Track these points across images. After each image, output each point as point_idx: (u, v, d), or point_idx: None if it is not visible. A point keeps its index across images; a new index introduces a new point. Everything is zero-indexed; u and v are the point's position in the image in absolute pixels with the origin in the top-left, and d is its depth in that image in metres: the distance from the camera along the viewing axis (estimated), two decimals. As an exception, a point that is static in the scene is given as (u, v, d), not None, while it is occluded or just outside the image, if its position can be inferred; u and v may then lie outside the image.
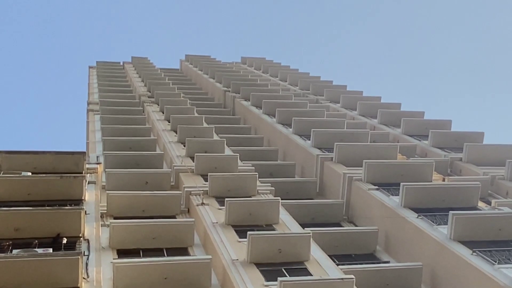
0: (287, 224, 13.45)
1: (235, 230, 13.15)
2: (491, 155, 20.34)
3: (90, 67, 40.17)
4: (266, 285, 9.43)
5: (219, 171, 17.52)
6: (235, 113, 31.76)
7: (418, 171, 18.05)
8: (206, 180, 16.99)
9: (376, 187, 17.55)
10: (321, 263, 10.90)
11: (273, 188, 17.91)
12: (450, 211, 12.66)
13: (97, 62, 40.78)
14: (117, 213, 14.57)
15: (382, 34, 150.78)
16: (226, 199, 13.71)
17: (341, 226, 18.29)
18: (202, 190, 16.44)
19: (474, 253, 11.10)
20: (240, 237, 12.62)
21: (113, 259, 11.52)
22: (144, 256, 12.24)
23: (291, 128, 24.05)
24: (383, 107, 28.72)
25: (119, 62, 43.95)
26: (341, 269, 11.13)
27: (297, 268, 10.66)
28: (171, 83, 33.98)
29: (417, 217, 14.43)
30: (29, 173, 14.60)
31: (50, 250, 10.51)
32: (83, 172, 15.36)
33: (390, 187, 17.24)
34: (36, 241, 10.80)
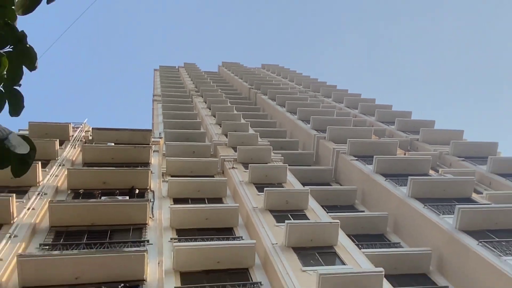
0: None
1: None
2: (439, 137, 19.97)
3: (154, 70, 40.03)
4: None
5: (245, 145, 17.00)
6: (257, 104, 29.82)
7: (386, 147, 17.30)
8: (235, 151, 16.08)
9: (356, 158, 16.66)
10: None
11: (283, 157, 16.79)
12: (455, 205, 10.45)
13: (160, 66, 39.99)
14: (173, 173, 13.91)
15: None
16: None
17: (330, 185, 17.84)
18: (233, 158, 15.69)
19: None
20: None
21: (170, 204, 11.23)
22: (191, 203, 11.86)
23: (296, 115, 22.92)
24: (374, 105, 26.52)
25: (175, 66, 43.44)
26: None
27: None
28: (211, 82, 32.72)
29: (385, 180, 13.94)
30: (112, 144, 14.44)
31: (127, 197, 10.51)
32: (150, 143, 15.15)
33: (366, 158, 16.61)
34: (117, 191, 10.86)
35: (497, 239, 9.16)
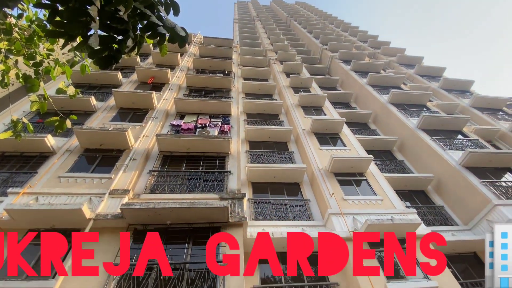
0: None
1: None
2: (428, 71, 22.41)
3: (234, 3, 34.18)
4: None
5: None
6: (323, 64, 26.16)
7: (394, 81, 18.57)
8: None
9: (373, 87, 18.23)
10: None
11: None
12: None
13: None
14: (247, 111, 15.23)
15: None
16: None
17: (351, 107, 19.62)
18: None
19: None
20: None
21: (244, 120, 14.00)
22: (258, 119, 14.57)
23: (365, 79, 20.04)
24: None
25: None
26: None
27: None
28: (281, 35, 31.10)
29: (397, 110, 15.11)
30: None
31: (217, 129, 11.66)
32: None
33: (381, 88, 17.85)
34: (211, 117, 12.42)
35: (443, 137, 13.08)
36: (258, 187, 10.51)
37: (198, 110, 12.46)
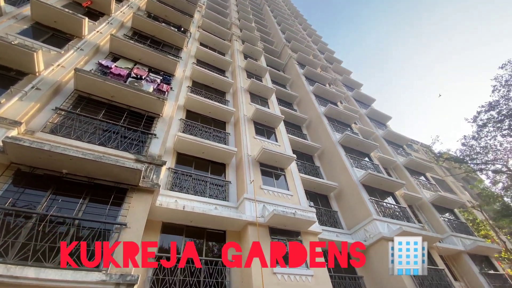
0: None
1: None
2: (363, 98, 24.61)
3: None
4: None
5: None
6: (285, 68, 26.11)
7: (333, 97, 20.78)
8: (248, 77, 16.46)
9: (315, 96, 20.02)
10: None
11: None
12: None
13: None
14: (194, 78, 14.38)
15: None
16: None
17: (293, 109, 20.85)
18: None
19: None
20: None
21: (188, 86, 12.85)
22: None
23: (312, 87, 21.32)
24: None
25: None
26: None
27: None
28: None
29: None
30: None
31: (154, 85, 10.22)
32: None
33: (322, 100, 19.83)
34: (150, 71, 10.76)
35: (355, 156, 15.23)
36: (183, 159, 10.10)
37: (137, 58, 10.96)
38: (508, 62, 17.19)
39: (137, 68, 10.45)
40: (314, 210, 10.19)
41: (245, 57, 20.22)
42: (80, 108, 8.03)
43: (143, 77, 9.99)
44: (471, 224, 18.37)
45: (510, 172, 20.01)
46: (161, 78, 10.52)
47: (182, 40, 13.96)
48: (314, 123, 18.21)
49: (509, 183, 22.74)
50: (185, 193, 8.80)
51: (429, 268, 10.38)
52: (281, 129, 14.09)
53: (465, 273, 12.72)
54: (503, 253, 16.30)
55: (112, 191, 6.34)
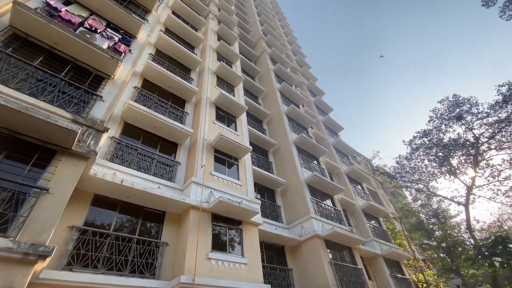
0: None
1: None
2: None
3: None
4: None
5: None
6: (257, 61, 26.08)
7: (297, 99, 21.56)
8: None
9: (281, 95, 20.59)
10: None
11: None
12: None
13: None
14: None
15: None
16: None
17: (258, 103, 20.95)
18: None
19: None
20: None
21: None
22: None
23: (279, 84, 21.27)
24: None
25: None
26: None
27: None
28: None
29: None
30: None
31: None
32: None
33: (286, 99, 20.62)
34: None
35: (306, 157, 16.01)
36: (130, 131, 9.33)
37: (95, 8, 9.64)
38: (446, 98, 19.92)
39: (93, 19, 9.19)
40: (259, 202, 10.45)
41: (219, 38, 19.49)
42: (13, 48, 6.75)
43: (99, 31, 8.84)
44: (390, 232, 21.06)
45: (429, 193, 23.44)
46: (120, 37, 9.46)
47: (152, 3, 12.76)
48: (275, 120, 18.58)
49: (427, 201, 26.60)
50: (127, 166, 8.16)
51: (350, 267, 11.59)
52: (243, 119, 14.02)
53: (378, 274, 14.57)
54: (411, 260, 19.12)
55: (36, 150, 5.51)
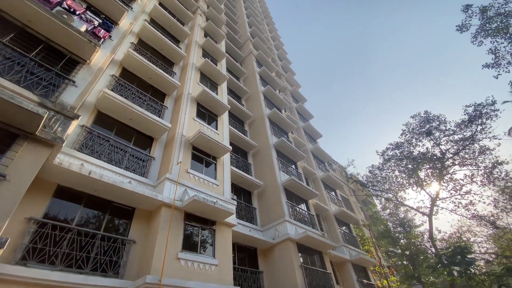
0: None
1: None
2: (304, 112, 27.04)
3: None
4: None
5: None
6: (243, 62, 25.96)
7: (280, 103, 22.00)
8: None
9: (264, 99, 20.74)
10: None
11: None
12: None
13: None
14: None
15: None
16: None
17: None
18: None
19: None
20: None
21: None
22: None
23: (263, 87, 21.51)
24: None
25: None
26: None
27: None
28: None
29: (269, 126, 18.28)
30: None
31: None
32: None
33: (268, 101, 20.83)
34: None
35: (284, 161, 16.09)
36: (103, 120, 8.88)
37: (76, -11, 9.10)
38: (418, 114, 21.19)
39: (73, 0, 8.66)
40: (235, 203, 10.37)
41: (205, 35, 19.26)
42: (-25, 20, 6.17)
43: (78, 12, 8.35)
44: (359, 239, 21.86)
45: (397, 202, 24.67)
46: (101, 22, 9.00)
47: (138, -10, 12.31)
48: (256, 122, 18.64)
49: (394, 211, 27.96)
50: (96, 158, 7.74)
51: (319, 271, 11.84)
52: (224, 118, 13.89)
53: (345, 279, 15.02)
54: (377, 267, 19.94)
55: (-6, 132, 5.04)
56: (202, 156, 10.73)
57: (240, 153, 15.88)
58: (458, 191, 20.08)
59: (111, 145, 8.40)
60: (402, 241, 26.95)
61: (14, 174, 4.82)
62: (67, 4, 8.22)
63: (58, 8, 7.64)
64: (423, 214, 21.55)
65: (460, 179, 20.08)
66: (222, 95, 15.38)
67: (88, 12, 8.79)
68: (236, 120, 18.13)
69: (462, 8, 16.96)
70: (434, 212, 20.49)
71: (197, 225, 8.41)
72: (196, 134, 10.37)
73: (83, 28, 7.72)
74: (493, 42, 16.25)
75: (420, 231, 27.34)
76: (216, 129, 12.82)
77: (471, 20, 16.85)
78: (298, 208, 14.10)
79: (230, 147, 11.49)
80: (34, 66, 6.38)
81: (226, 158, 11.73)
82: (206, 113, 12.98)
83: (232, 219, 9.45)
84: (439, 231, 29.75)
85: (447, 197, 20.60)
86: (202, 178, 9.84)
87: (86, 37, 7.22)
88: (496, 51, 16.13)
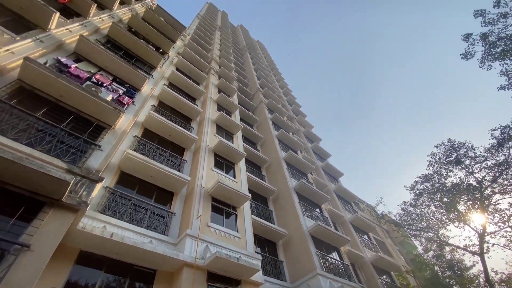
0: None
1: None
2: (320, 151, 26.30)
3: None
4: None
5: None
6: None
7: (294, 145, 21.75)
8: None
9: (279, 141, 20.95)
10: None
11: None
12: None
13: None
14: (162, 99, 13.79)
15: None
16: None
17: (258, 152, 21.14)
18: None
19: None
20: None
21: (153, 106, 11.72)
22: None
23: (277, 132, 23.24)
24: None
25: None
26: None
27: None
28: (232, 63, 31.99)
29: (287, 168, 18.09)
30: None
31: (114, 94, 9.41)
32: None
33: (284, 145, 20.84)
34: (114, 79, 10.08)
35: (307, 205, 15.28)
36: (126, 180, 9.09)
37: (103, 65, 10.37)
38: (442, 143, 20.23)
39: (101, 74, 9.80)
40: (260, 257, 9.59)
41: (219, 91, 20.68)
42: (17, 100, 6.98)
43: (105, 84, 9.33)
44: (405, 289, 19.02)
45: (440, 242, 22.02)
46: (125, 90, 9.95)
47: (157, 60, 13.83)
48: (273, 166, 18.47)
49: (439, 252, 24.82)
50: (118, 218, 7.68)
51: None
52: (241, 166, 13.91)
53: None
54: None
55: (24, 201, 5.20)
56: (222, 207, 10.43)
57: (260, 200, 15.39)
58: (507, 223, 17.75)
59: (133, 204, 8.41)
60: (455, 287, 23.15)
61: (38, 244, 4.78)
62: (95, 78, 9.25)
63: (88, 82, 8.58)
64: (473, 253, 18.86)
65: (506, 209, 17.92)
66: (238, 143, 15.68)
67: (114, 83, 9.80)
68: (253, 166, 18.08)
69: (462, 37, 17.43)
70: (485, 250, 17.90)
71: (221, 286, 7.69)
72: (215, 184, 10.28)
73: (109, 97, 8.51)
74: (502, 64, 16.13)
75: (474, 273, 23.59)
76: (234, 177, 12.73)
77: (474, 47, 17.13)
78: (329, 258, 12.81)
79: (249, 195, 11.19)
80: (64, 135, 6.88)
81: (246, 207, 11.33)
82: (224, 162, 13.08)
83: (259, 276, 8.63)
84: (496, 272, 25.47)
85: (496, 231, 18.17)
86: (223, 231, 9.39)
87: (111, 105, 7.87)
88: (508, 73, 15.88)
